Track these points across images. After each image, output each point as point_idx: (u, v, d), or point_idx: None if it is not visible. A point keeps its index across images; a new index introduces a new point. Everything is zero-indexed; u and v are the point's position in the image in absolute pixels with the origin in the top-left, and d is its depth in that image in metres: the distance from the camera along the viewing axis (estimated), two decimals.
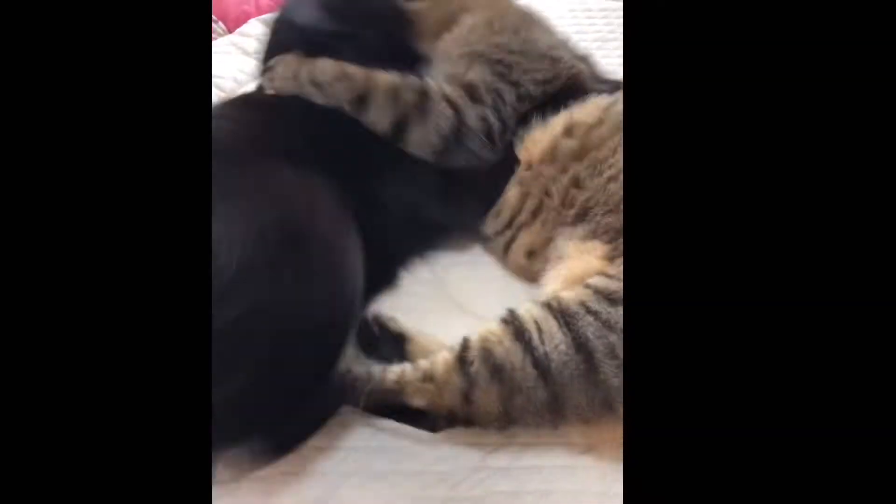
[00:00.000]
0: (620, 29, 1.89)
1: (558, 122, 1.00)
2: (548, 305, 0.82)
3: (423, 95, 0.98)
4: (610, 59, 1.74)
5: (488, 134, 0.99)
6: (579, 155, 0.97)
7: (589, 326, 0.78)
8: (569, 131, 0.99)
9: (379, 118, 0.98)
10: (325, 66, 1.01)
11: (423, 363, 0.83)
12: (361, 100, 0.98)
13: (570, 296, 0.82)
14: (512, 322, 0.81)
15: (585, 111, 1.00)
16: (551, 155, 0.99)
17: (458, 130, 0.98)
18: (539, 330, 0.79)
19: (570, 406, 0.77)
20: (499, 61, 1.03)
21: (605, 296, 0.80)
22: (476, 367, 0.79)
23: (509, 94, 1.01)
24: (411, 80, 1.01)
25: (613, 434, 0.77)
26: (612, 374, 0.76)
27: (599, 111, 1.00)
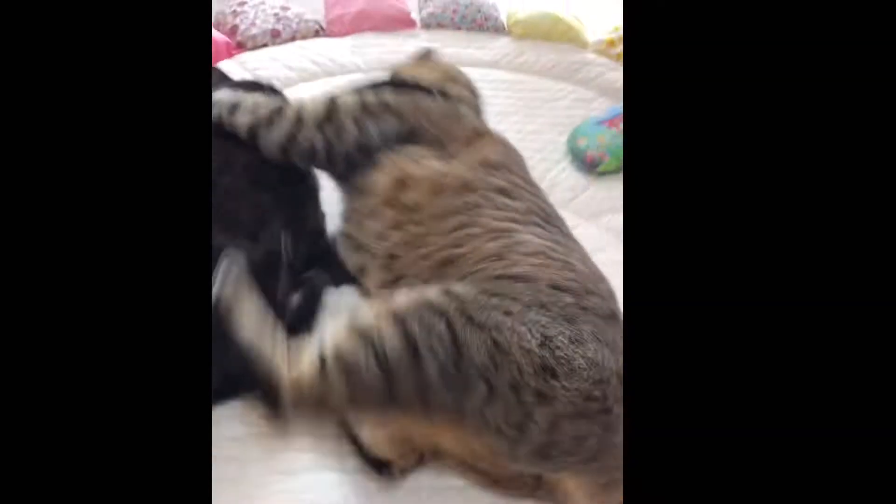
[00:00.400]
0: (523, 102, 2.05)
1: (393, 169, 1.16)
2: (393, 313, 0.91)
3: (277, 112, 1.19)
4: (511, 134, 1.90)
5: (311, 156, 1.19)
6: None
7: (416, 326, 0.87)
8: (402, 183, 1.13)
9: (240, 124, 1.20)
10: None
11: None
12: (234, 108, 1.21)
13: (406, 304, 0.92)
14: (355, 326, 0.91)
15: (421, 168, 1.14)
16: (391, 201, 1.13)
17: (288, 145, 1.18)
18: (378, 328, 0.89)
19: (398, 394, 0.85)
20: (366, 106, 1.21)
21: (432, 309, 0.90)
22: (329, 361, 0.88)
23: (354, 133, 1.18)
24: (273, 99, 1.23)
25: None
26: (433, 371, 0.84)
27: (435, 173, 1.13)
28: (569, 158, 1.85)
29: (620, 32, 2.41)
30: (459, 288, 0.92)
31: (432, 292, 0.91)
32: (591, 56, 2.35)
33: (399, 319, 0.88)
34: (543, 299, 0.90)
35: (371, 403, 0.87)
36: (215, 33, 2.09)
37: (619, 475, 0.80)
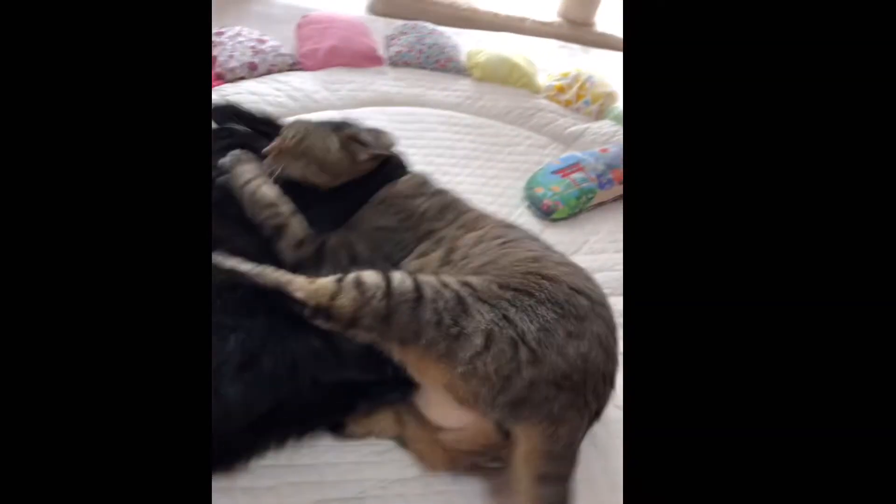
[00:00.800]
0: (485, 146, 2.25)
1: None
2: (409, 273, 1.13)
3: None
4: (474, 178, 2.11)
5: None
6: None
7: (428, 286, 1.09)
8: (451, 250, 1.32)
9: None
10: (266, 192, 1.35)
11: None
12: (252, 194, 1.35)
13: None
14: (384, 272, 1.12)
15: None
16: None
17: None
18: (394, 275, 1.11)
19: (395, 323, 1.06)
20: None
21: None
22: (346, 281, 1.10)
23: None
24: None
25: (417, 361, 1.08)
26: (429, 313, 1.05)
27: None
28: (526, 204, 2.06)
29: (568, 80, 2.64)
30: (475, 279, 1.12)
31: (449, 277, 1.13)
32: (543, 102, 2.57)
33: (415, 278, 1.10)
34: (561, 298, 1.10)
35: (371, 321, 1.07)
36: None
37: (564, 447, 1.03)
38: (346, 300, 1.07)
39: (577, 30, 3.37)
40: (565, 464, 1.06)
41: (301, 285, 1.11)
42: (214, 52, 2.25)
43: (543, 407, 1.03)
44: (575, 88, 2.61)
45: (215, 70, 2.22)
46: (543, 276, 1.13)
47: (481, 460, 1.17)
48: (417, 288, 1.08)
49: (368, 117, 2.21)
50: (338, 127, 1.49)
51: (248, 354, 1.07)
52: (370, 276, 1.10)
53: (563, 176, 2.08)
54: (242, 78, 2.23)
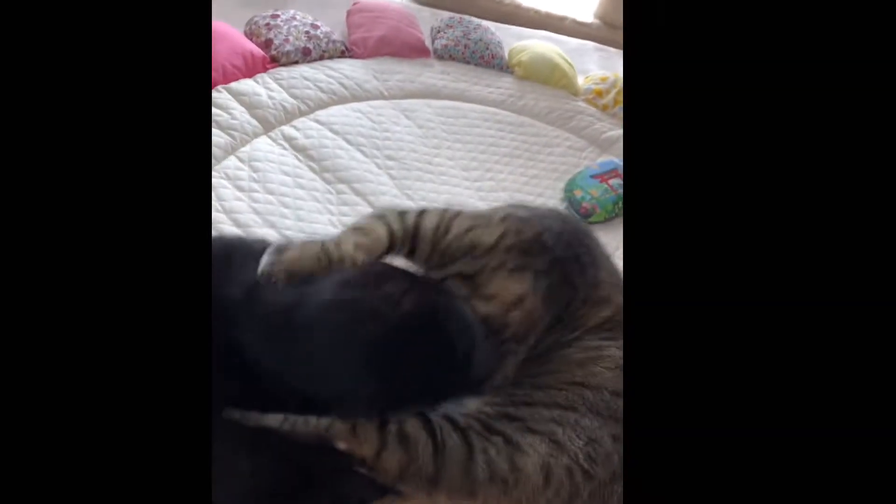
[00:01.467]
0: (526, 146, 2.32)
1: None
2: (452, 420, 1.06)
3: None
4: (515, 177, 2.18)
5: None
6: None
7: (474, 433, 1.04)
8: None
9: None
10: None
11: (350, 422, 1.09)
12: None
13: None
14: (427, 421, 1.09)
15: None
16: None
17: None
18: (440, 427, 1.07)
19: (445, 481, 1.01)
20: None
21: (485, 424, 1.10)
22: (390, 434, 1.02)
23: None
24: None
25: None
26: (482, 468, 1.00)
27: None
28: (564, 205, 2.14)
29: (606, 84, 2.71)
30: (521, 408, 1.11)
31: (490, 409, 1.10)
32: (582, 105, 2.63)
33: (462, 429, 1.05)
34: (601, 407, 1.10)
35: (418, 482, 1.03)
36: (253, 47, 2.24)
37: None
38: (392, 459, 1.02)
39: (613, 33, 3.42)
40: None
41: (343, 435, 1.04)
42: (270, 34, 2.31)
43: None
44: (613, 94, 2.67)
45: (270, 53, 2.28)
46: (585, 386, 1.14)
47: None
48: (466, 440, 1.03)
49: (415, 109, 2.29)
50: None
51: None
52: (415, 430, 1.03)
53: (602, 181, 2.15)
54: (296, 62, 2.30)
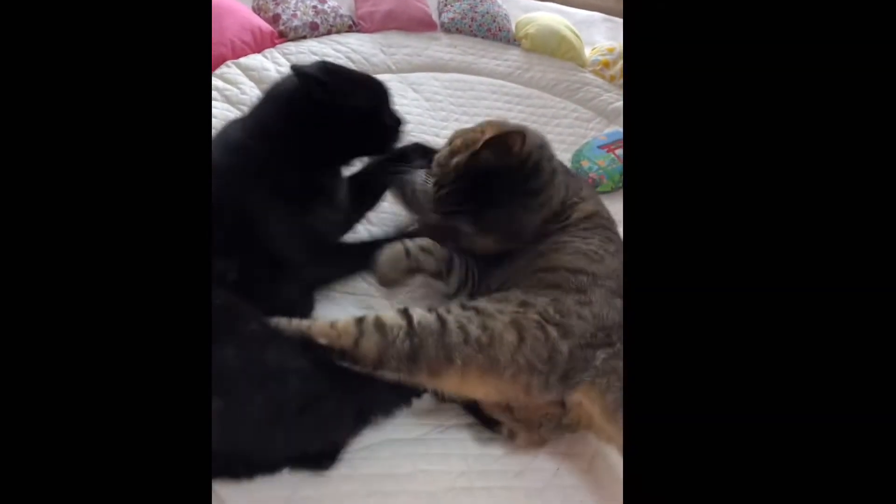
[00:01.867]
0: (534, 117, 2.33)
1: None
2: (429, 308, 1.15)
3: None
4: None
5: None
6: None
7: (447, 311, 1.13)
8: None
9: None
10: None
11: (331, 319, 1.16)
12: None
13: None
14: (403, 310, 1.16)
15: None
16: None
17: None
18: (414, 312, 1.12)
19: (423, 358, 1.07)
20: None
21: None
22: (367, 323, 1.10)
23: None
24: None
25: (458, 385, 1.11)
26: (456, 334, 1.08)
27: None
28: None
29: (613, 55, 2.70)
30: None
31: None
32: (589, 76, 2.64)
33: (436, 310, 1.14)
34: (559, 280, 1.21)
35: (397, 363, 1.08)
36: (261, 22, 2.26)
37: (621, 392, 1.06)
38: (369, 344, 1.08)
39: (621, 3, 3.40)
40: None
41: (323, 331, 1.11)
42: (277, 10, 2.32)
43: (589, 369, 1.12)
44: (619, 65, 2.67)
45: (278, 28, 2.29)
46: (543, 269, 1.25)
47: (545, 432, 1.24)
48: (440, 318, 1.10)
49: (423, 83, 2.31)
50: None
51: (309, 397, 1.05)
52: (390, 318, 1.11)
53: (609, 151, 2.17)
54: (304, 37, 2.32)
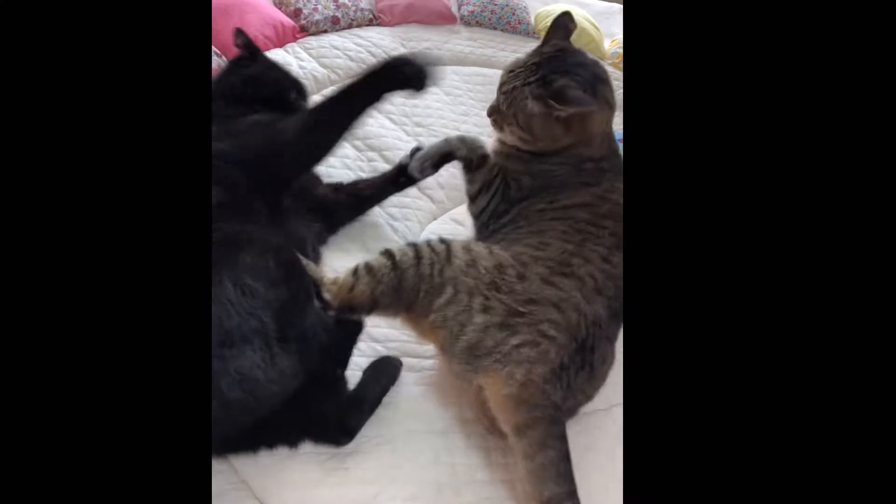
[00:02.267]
0: None
1: None
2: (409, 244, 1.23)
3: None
4: None
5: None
6: None
7: (425, 247, 1.20)
8: None
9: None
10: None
11: (335, 274, 1.24)
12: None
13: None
14: (386, 250, 1.22)
15: None
16: None
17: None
18: (398, 249, 1.21)
19: (404, 289, 1.16)
20: None
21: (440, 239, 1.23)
22: (360, 270, 1.19)
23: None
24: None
25: (414, 323, 1.19)
26: (426, 268, 1.16)
27: None
28: None
29: None
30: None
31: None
32: (608, 68, 2.63)
33: (415, 245, 1.21)
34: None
35: (388, 299, 1.16)
36: (283, 17, 2.28)
37: (521, 387, 1.05)
38: (362, 286, 1.16)
39: None
40: (539, 409, 1.06)
41: (328, 286, 1.19)
42: (299, 4, 2.35)
43: (496, 351, 1.09)
44: None
45: (300, 22, 2.32)
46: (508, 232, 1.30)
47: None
48: (416, 252, 1.18)
49: (443, 76, 2.32)
50: (544, 81, 1.32)
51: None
52: (377, 260, 1.20)
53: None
54: (325, 31, 2.34)
